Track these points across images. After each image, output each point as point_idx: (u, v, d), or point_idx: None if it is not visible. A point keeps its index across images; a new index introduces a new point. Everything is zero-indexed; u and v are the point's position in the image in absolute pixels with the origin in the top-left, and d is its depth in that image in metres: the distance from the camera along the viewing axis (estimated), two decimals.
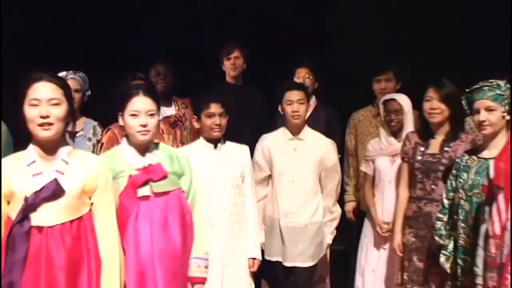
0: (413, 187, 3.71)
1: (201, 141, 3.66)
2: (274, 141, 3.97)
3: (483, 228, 2.90)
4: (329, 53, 5.41)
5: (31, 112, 2.42)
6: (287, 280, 3.90)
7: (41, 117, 2.41)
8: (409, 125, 3.99)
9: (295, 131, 3.97)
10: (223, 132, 3.63)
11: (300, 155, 3.93)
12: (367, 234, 4.16)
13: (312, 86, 4.57)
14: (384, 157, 4.07)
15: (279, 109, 3.99)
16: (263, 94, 4.74)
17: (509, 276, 2.62)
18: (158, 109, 3.01)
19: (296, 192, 3.89)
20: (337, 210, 4.05)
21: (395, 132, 4.04)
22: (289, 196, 3.87)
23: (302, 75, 4.57)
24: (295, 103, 3.88)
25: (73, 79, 3.98)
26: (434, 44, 5.40)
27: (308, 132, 4.01)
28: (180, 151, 3.45)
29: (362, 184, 4.36)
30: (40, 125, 2.42)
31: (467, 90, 3.23)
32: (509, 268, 2.62)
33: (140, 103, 2.91)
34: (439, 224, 3.35)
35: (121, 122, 3.00)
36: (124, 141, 3.02)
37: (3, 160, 2.56)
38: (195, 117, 3.63)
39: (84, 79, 4.12)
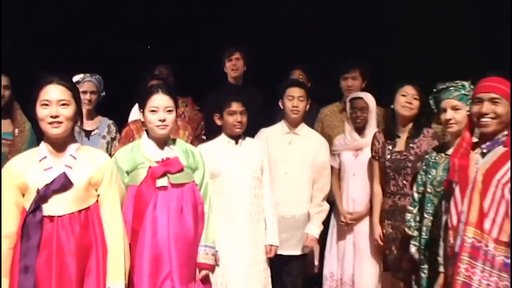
0: (387, 183, 3.91)
1: (223, 137, 3.80)
2: (271, 134, 4.12)
3: (443, 220, 2.94)
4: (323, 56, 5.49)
5: (42, 112, 2.65)
6: (281, 268, 4.01)
7: (51, 116, 2.63)
8: (373, 122, 4.18)
9: (292, 126, 4.14)
10: (244, 128, 3.77)
11: (294, 148, 4.07)
12: (335, 224, 4.30)
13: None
14: (348, 151, 4.22)
15: (279, 104, 4.13)
16: (261, 93, 4.91)
17: (461, 265, 2.66)
18: (176, 106, 3.21)
19: (288, 183, 4.01)
20: (326, 205, 4.13)
21: (359, 128, 4.19)
22: (281, 187, 3.97)
23: (296, 76, 4.82)
24: (295, 99, 4.05)
25: (90, 82, 4.23)
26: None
27: (304, 129, 4.18)
28: (202, 147, 3.69)
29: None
30: (50, 123, 2.64)
31: (434, 90, 3.36)
32: (461, 257, 2.66)
33: (159, 100, 3.14)
34: (409, 216, 3.45)
35: (141, 118, 3.23)
36: (144, 135, 3.25)
37: (18, 156, 2.83)
38: (217, 114, 3.77)
39: (99, 81, 4.32)
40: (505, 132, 2.72)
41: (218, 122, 3.78)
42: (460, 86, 3.22)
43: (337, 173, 4.29)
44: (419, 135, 3.80)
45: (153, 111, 3.13)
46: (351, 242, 4.18)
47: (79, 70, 4.22)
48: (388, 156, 3.87)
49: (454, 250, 2.74)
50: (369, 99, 4.18)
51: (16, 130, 3.97)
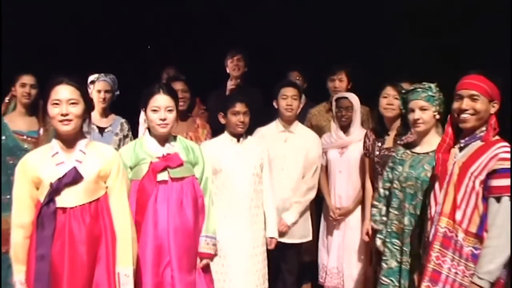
0: (376, 179, 3.99)
1: (226, 135, 3.98)
2: (267, 132, 4.33)
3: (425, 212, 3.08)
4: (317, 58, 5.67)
5: (53, 111, 2.84)
6: (278, 256, 4.20)
7: (62, 114, 2.82)
8: (357, 121, 4.35)
9: (287, 124, 4.34)
10: (246, 128, 3.95)
11: (290, 146, 4.29)
12: (322, 218, 4.50)
13: (302, 86, 4.96)
14: (334, 149, 4.38)
15: (274, 104, 4.32)
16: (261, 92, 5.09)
17: (432, 253, 2.82)
18: (176, 106, 3.39)
19: (284, 179, 4.23)
20: (308, 196, 4.32)
21: (345, 127, 4.35)
22: (278, 182, 4.18)
23: (293, 77, 5.04)
24: (289, 98, 4.27)
25: (104, 81, 4.34)
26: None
27: (298, 126, 4.40)
28: (206, 144, 3.89)
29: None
30: (61, 121, 2.82)
31: (402, 91, 3.53)
32: (433, 245, 2.82)
33: (160, 100, 3.32)
34: (374, 211, 3.61)
35: (144, 117, 3.41)
36: (146, 133, 3.43)
37: (32, 152, 3.02)
38: (222, 113, 3.94)
39: (113, 81, 4.43)
40: (483, 128, 2.83)
41: (222, 121, 3.96)
42: (427, 88, 3.34)
43: (324, 170, 4.44)
44: (406, 133, 3.84)
45: (154, 110, 3.30)
46: (340, 235, 4.35)
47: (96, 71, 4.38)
48: (377, 152, 4.00)
49: (429, 240, 2.88)
50: (354, 98, 4.35)
51: (41, 129, 4.15)
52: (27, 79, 4.21)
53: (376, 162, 4.01)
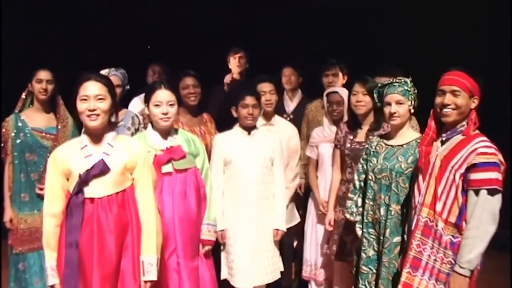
0: (344, 171, 4.11)
1: (237, 128, 4.04)
2: None
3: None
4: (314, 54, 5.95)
5: (81, 106, 2.96)
6: None
7: (90, 110, 2.94)
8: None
9: (267, 118, 4.47)
10: (256, 121, 4.03)
11: None
12: (311, 212, 4.50)
13: (297, 82, 5.20)
14: (327, 143, 4.37)
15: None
16: None
17: (413, 241, 2.98)
18: (178, 100, 3.54)
19: None
20: (295, 182, 4.50)
21: (336, 121, 4.35)
22: None
23: (288, 73, 5.19)
24: (267, 93, 4.39)
25: (115, 76, 4.21)
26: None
27: (277, 119, 4.54)
28: (218, 136, 4.03)
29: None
30: (89, 116, 2.94)
31: (379, 85, 3.57)
32: (415, 234, 2.99)
33: (162, 95, 3.47)
34: (349, 203, 3.68)
35: (147, 111, 3.55)
36: (149, 127, 3.57)
37: (62, 145, 3.13)
38: (234, 107, 3.99)
39: (124, 75, 4.35)
40: (464, 123, 2.95)
41: (234, 114, 4.01)
42: (403, 82, 3.39)
43: (315, 164, 4.45)
44: (379, 128, 3.90)
45: (156, 105, 3.45)
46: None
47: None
48: (348, 145, 4.02)
49: (411, 228, 3.03)
50: (344, 93, 4.30)
51: (59, 125, 4.11)
52: (44, 74, 4.11)
53: (347, 154, 4.04)
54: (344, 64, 4.96)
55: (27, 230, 4.04)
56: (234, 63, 5.38)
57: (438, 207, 2.93)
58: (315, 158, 4.48)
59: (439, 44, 5.51)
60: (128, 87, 4.40)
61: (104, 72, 4.11)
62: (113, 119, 3.12)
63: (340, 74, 4.90)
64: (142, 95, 3.92)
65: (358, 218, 3.61)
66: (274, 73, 4.90)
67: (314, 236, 4.43)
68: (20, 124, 4.10)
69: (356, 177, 3.68)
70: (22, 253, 4.05)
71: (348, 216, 3.69)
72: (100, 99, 2.97)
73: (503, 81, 5.52)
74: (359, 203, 3.63)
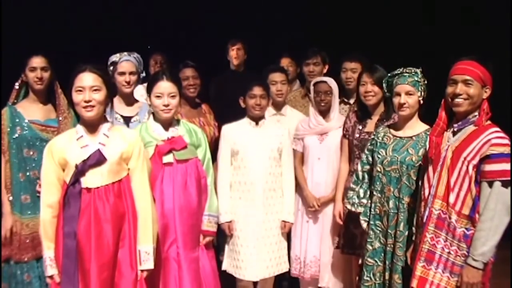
0: (352, 161, 3.99)
1: (246, 118, 4.02)
2: None
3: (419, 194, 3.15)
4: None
5: (77, 97, 2.96)
6: None
7: (85, 101, 2.94)
8: (336, 106, 4.25)
9: (278, 108, 4.47)
10: (264, 111, 4.01)
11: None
12: (299, 208, 4.26)
13: (295, 72, 5.17)
14: (313, 135, 4.23)
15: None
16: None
17: (427, 234, 2.94)
18: (179, 91, 3.52)
19: None
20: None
21: (324, 112, 4.22)
22: None
23: (285, 64, 5.15)
24: (279, 83, 4.39)
25: (128, 61, 3.90)
26: None
27: (288, 109, 4.54)
28: (226, 126, 4.00)
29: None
30: (84, 107, 2.95)
31: (388, 74, 3.49)
32: (428, 227, 2.94)
33: (164, 86, 3.45)
34: (351, 194, 3.63)
35: (148, 102, 3.54)
36: (151, 117, 3.56)
37: (58, 136, 3.14)
38: (242, 98, 3.99)
39: (139, 61, 3.98)
40: (476, 113, 2.89)
41: (243, 105, 4.01)
42: (413, 73, 3.34)
43: (300, 158, 4.29)
44: (389, 119, 3.77)
45: (158, 96, 3.43)
46: (319, 224, 4.20)
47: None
48: (357, 135, 3.93)
49: (423, 221, 2.98)
50: (332, 83, 4.21)
51: (60, 117, 3.73)
52: (38, 61, 3.67)
53: (355, 145, 3.94)
54: (325, 53, 4.90)
55: (29, 236, 3.64)
56: (233, 55, 5.34)
57: (451, 198, 2.88)
58: (301, 151, 4.29)
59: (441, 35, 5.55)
60: (144, 74, 4.07)
61: (114, 57, 3.94)
62: (108, 109, 3.11)
63: (321, 63, 4.85)
64: (146, 84, 3.80)
65: (360, 209, 3.57)
66: (272, 64, 4.84)
67: (304, 233, 4.24)
68: (16, 117, 3.69)
69: (359, 168, 3.62)
70: (26, 262, 3.64)
71: (349, 207, 3.65)
72: (95, 90, 2.98)
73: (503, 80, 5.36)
74: (361, 194, 3.59)
